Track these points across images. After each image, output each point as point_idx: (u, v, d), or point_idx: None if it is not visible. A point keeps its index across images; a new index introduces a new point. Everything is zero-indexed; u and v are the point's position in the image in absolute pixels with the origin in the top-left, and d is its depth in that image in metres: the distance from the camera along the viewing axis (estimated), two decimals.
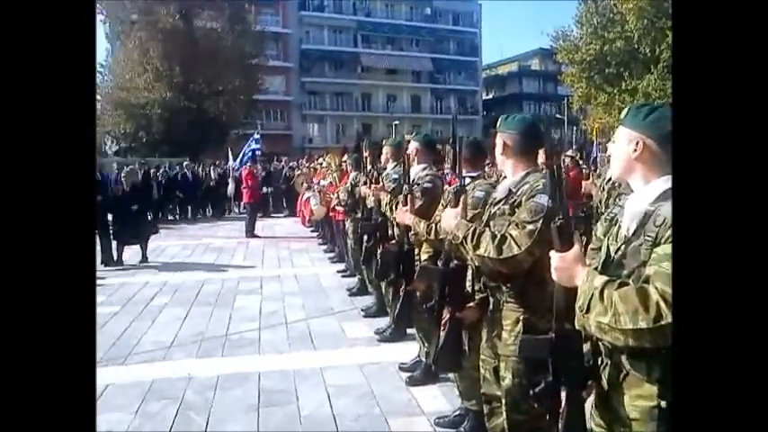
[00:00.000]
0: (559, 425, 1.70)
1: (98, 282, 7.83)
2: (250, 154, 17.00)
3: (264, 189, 16.35)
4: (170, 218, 16.28)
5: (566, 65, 27.43)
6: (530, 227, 2.16)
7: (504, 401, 2.35)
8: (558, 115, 41.33)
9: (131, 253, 9.29)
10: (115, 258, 9.01)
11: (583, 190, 6.90)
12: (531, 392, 1.79)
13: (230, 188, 16.68)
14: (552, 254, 1.65)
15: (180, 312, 6.08)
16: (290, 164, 18.38)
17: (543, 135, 2.48)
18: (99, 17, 28.90)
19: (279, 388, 4.04)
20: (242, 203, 15.41)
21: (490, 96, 51.05)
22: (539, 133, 2.41)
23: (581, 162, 9.81)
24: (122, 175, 9.90)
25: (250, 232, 12.30)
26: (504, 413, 2.35)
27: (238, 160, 17.00)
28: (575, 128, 25.38)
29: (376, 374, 4.23)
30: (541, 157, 2.65)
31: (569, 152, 9.30)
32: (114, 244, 9.07)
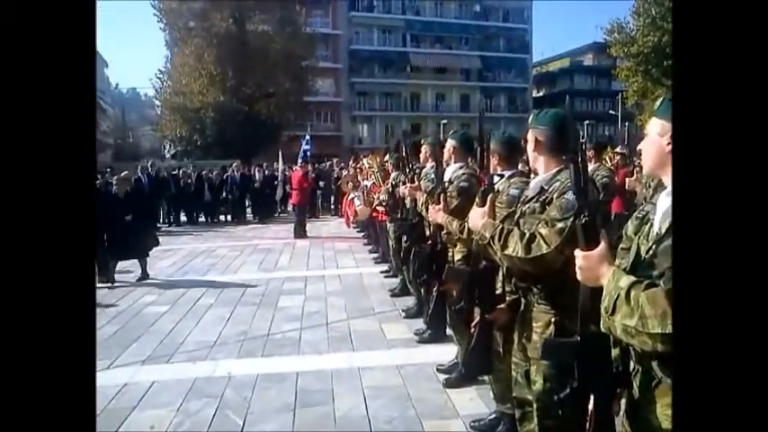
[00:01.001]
0: None
1: (148, 281, 8.10)
2: (302, 155, 17.31)
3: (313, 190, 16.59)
4: (221, 219, 16.71)
5: (620, 59, 26.59)
6: (560, 225, 2.06)
7: (535, 406, 2.26)
8: (611, 111, 40.17)
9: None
10: (100, 273, 7.59)
11: (627, 186, 6.65)
12: (556, 397, 1.72)
13: (279, 191, 16.96)
14: (577, 252, 1.58)
15: (224, 312, 6.19)
16: (340, 165, 18.48)
17: (576, 131, 2.37)
18: (159, 26, 30.06)
19: (315, 388, 4.05)
20: (291, 205, 15.49)
21: (540, 94, 50.09)
22: (571, 129, 2.31)
23: (634, 159, 9.45)
24: (114, 181, 8.71)
25: (299, 233, 12.45)
26: (536, 418, 2.26)
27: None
28: (628, 124, 24.53)
29: (413, 376, 4.18)
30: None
31: (619, 149, 8.98)
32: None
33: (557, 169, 2.28)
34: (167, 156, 38.80)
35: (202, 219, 16.59)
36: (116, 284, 7.81)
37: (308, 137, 19.16)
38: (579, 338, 1.63)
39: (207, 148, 28.97)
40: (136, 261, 9.84)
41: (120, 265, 8.16)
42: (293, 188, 13.45)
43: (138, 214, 8.05)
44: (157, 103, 34.24)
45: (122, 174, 9.57)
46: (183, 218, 16.44)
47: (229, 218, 16.78)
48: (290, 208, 17.78)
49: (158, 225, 14.22)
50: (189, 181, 16.14)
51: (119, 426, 3.58)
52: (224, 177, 16.61)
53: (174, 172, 16.75)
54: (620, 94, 32.58)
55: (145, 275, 8.26)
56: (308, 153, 18.12)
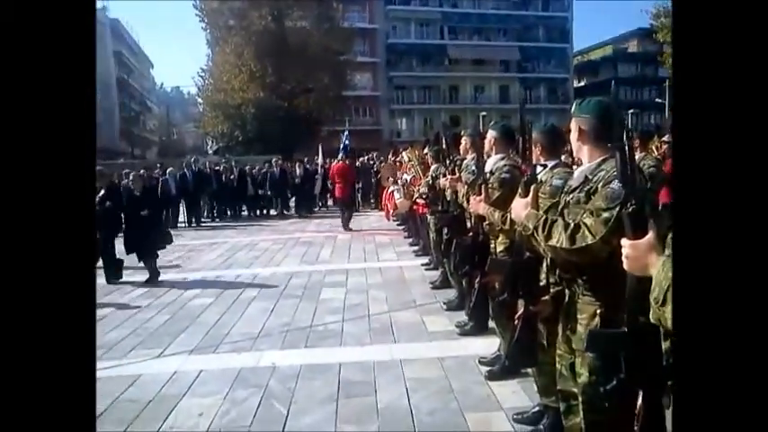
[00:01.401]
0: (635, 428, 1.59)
1: (194, 274, 8.31)
2: (343, 151, 17.43)
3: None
4: (263, 213, 16.91)
5: (667, 44, 25.75)
6: (605, 214, 2.02)
7: (580, 399, 2.23)
8: (657, 99, 39.00)
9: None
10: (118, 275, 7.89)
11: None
12: (603, 390, 1.69)
13: (317, 186, 17.07)
14: (624, 242, 1.55)
15: (268, 305, 6.30)
16: (379, 159, 18.53)
17: (621, 119, 2.32)
18: (200, 25, 30.68)
19: (358, 379, 4.09)
20: (334, 199, 15.60)
21: (582, 84, 49.02)
22: (616, 117, 2.26)
23: None
24: (130, 180, 8.77)
25: (346, 226, 12.58)
26: (581, 412, 2.23)
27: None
28: None
29: (455, 368, 4.18)
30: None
31: (666, 138, 8.72)
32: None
33: (601, 158, 2.23)
34: (210, 152, 39.61)
35: (245, 213, 16.90)
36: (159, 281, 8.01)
37: (347, 132, 19.28)
38: (626, 330, 1.61)
39: (248, 144, 29.46)
40: (181, 256, 10.12)
41: (161, 260, 8.36)
42: (337, 182, 13.55)
43: (150, 213, 8.09)
44: (200, 100, 35.03)
45: (140, 171, 9.98)
46: (223, 212, 16.73)
47: (272, 212, 16.93)
48: (329, 203, 17.94)
49: (181, 222, 14.95)
50: (231, 176, 16.35)
51: (169, 412, 3.70)
52: (264, 173, 16.76)
53: (217, 168, 16.99)
54: (666, 81, 31.58)
55: (154, 276, 7.88)
56: (348, 148, 18.24)
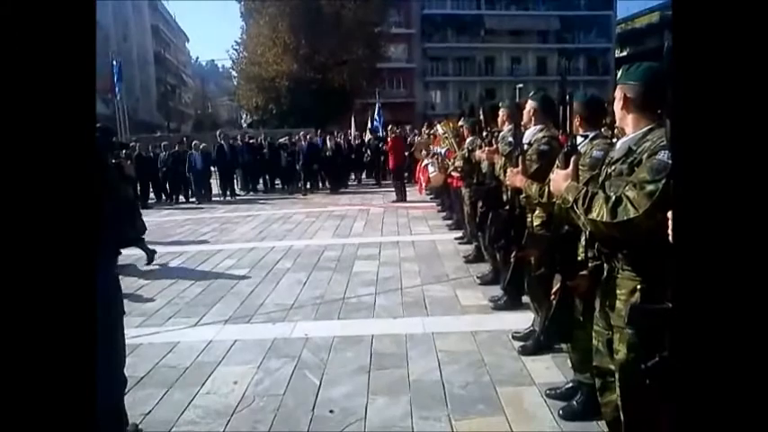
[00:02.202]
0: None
1: (229, 246, 8.44)
2: (373, 127, 17.38)
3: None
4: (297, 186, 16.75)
5: None
6: (650, 187, 1.93)
7: (617, 377, 2.18)
8: None
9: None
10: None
11: None
12: (643, 366, 1.64)
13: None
14: (671, 212, 1.48)
15: (301, 276, 6.36)
16: (413, 132, 18.35)
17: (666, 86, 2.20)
18: None
19: (390, 352, 4.10)
20: (389, 169, 15.24)
21: (624, 54, 47.41)
22: (666, 84, 2.15)
23: None
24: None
25: (401, 198, 12.59)
26: (618, 389, 2.18)
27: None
28: None
29: (488, 342, 4.15)
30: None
31: None
32: None
33: (647, 128, 2.13)
34: (244, 125, 39.93)
35: (279, 186, 17.02)
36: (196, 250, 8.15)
37: (377, 107, 19.05)
38: (670, 305, 1.54)
39: (282, 117, 29.54)
40: (216, 228, 10.31)
41: (197, 233, 8.42)
42: (390, 154, 13.56)
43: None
44: (234, 73, 35.18)
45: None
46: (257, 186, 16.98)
47: (302, 185, 16.44)
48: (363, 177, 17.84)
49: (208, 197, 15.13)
50: (263, 150, 16.46)
51: (206, 379, 3.78)
52: (291, 146, 16.45)
53: (251, 140, 17.08)
54: None
55: (149, 257, 7.48)
56: (380, 124, 18.11)
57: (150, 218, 11.47)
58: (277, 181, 17.14)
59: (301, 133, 17.04)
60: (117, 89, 22.35)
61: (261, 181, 17.07)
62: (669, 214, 1.47)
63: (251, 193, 16.46)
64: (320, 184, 16.86)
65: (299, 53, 28.75)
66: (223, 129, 23.93)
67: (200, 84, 70.99)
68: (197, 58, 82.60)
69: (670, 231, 1.48)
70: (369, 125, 18.98)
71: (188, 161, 14.62)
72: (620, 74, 2.25)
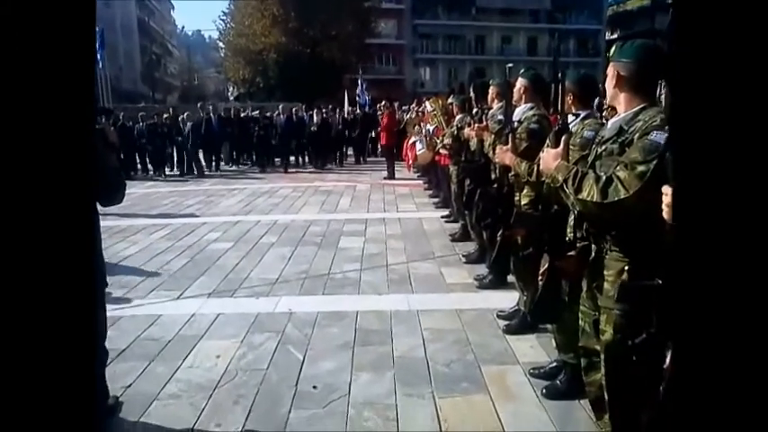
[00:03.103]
0: (663, 388, 1.53)
1: (214, 219, 8.36)
2: (362, 104, 17.13)
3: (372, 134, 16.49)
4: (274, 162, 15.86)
5: None
6: (641, 168, 1.90)
7: (602, 356, 2.18)
8: None
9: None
10: None
11: None
12: (631, 342, 1.63)
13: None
14: (665, 189, 1.46)
15: (286, 251, 6.31)
16: (402, 109, 18.18)
17: (665, 64, 2.17)
18: None
19: (374, 328, 4.09)
20: (380, 146, 15.19)
21: (615, 36, 47.22)
22: (660, 62, 2.11)
23: None
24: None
25: (391, 175, 12.52)
26: (603, 369, 2.18)
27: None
28: None
29: (473, 321, 4.15)
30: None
31: None
32: None
33: (639, 107, 2.09)
34: (231, 98, 39.40)
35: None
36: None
37: (360, 81, 18.73)
38: (660, 282, 1.53)
39: (270, 91, 29.17)
40: (201, 200, 10.21)
41: (182, 205, 8.35)
42: (382, 130, 13.44)
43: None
44: (221, 45, 34.58)
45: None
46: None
47: (283, 162, 15.31)
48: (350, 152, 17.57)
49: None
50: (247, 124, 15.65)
51: (188, 353, 3.74)
52: (263, 119, 15.51)
53: (240, 114, 16.56)
54: None
55: None
56: (367, 101, 17.86)
57: (133, 189, 11.34)
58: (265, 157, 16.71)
59: (280, 107, 16.20)
60: (98, 56, 21.85)
61: (245, 155, 16.63)
62: (666, 190, 1.44)
63: (236, 165, 16.24)
64: (302, 161, 16.10)
65: (287, 26, 28.29)
66: (209, 101, 23.55)
67: (186, 54, 69.76)
68: (182, 27, 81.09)
69: (665, 210, 1.45)
70: (358, 100, 18.74)
71: (172, 133, 14.33)
72: (612, 51, 2.21)
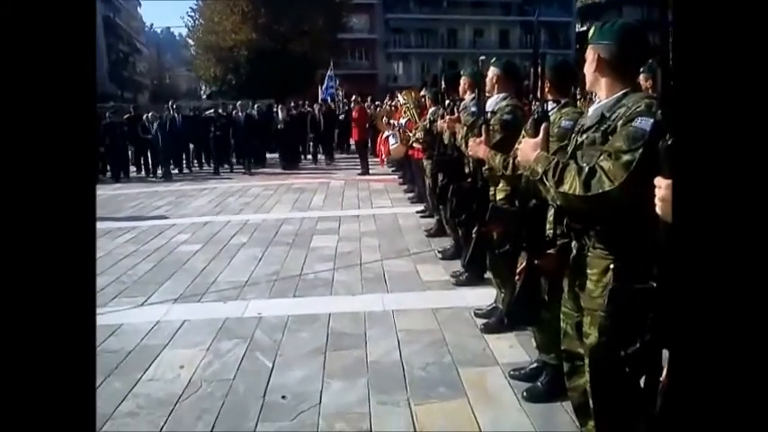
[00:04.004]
0: (659, 400, 1.38)
1: (182, 220, 8.09)
2: (326, 94, 16.70)
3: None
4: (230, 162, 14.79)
5: None
6: (626, 157, 1.74)
7: (587, 361, 2.03)
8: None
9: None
10: None
11: None
12: (623, 353, 1.47)
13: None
14: (658, 181, 1.31)
15: (257, 252, 6.10)
16: (375, 103, 17.94)
17: (649, 47, 2.01)
18: None
19: (348, 331, 3.91)
20: (353, 141, 14.48)
21: (584, 28, 47.64)
22: (643, 43, 1.96)
23: None
24: None
25: (365, 171, 12.32)
26: (588, 375, 2.03)
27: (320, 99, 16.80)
28: None
29: (449, 320, 4.00)
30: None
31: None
32: None
33: (622, 92, 1.94)
34: (203, 96, 38.75)
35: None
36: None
37: (329, 74, 18.30)
38: (655, 285, 1.38)
39: (241, 88, 28.66)
40: (170, 201, 9.92)
41: (150, 207, 8.11)
42: (354, 125, 13.19)
43: None
44: (191, 42, 33.90)
45: None
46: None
47: (246, 162, 14.07)
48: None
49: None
50: (219, 122, 14.27)
51: (150, 363, 3.53)
52: (219, 118, 14.42)
53: (208, 113, 15.73)
54: (671, 27, 30.68)
55: None
56: (333, 92, 17.45)
57: (100, 191, 10.98)
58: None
59: (238, 104, 15.03)
60: None
61: (204, 157, 15.39)
62: (659, 182, 1.30)
63: (204, 166, 15.41)
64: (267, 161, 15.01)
65: (257, 22, 27.82)
66: (180, 100, 22.96)
67: (156, 52, 68.53)
68: (151, 25, 79.55)
69: (658, 204, 1.30)
70: (321, 95, 18.30)
71: (136, 132, 13.68)
72: (592, 32, 2.05)
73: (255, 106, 15.15)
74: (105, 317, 4.37)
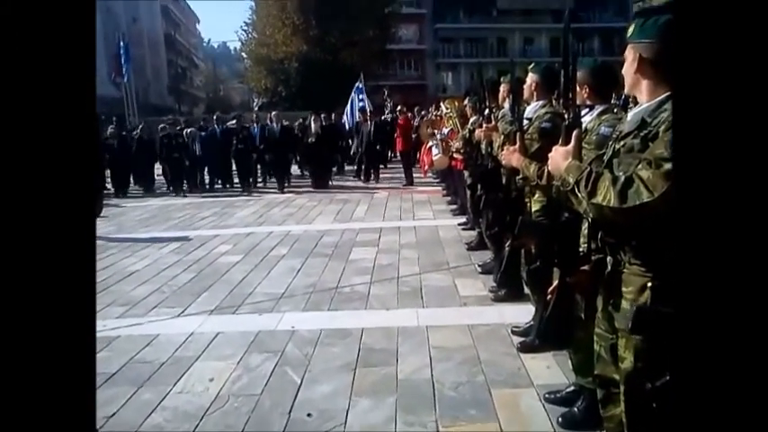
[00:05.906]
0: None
1: (225, 231, 8.17)
2: (359, 107, 16.16)
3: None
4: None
5: None
6: (668, 165, 1.56)
7: (622, 389, 1.85)
8: None
9: None
10: None
11: None
12: (649, 386, 1.31)
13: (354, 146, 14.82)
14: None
15: (296, 263, 6.07)
16: (420, 113, 17.80)
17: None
18: None
19: (379, 347, 3.80)
20: (398, 152, 13.98)
21: None
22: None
23: None
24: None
25: (409, 181, 12.30)
26: (623, 404, 1.85)
27: (347, 116, 16.49)
28: None
29: (485, 337, 3.83)
30: None
31: None
32: None
33: (665, 95, 1.75)
34: (255, 108, 39.57)
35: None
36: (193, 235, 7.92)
37: (359, 85, 17.39)
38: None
39: (291, 100, 29.12)
40: (216, 212, 10.08)
41: (196, 217, 8.24)
42: (398, 135, 13.12)
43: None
44: (244, 55, 34.76)
45: None
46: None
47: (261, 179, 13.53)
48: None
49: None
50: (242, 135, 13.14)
51: (180, 375, 3.51)
52: (241, 130, 13.26)
53: (230, 124, 14.21)
54: None
55: None
56: (364, 105, 16.49)
57: (150, 202, 11.29)
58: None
59: (272, 114, 13.99)
60: (124, 70, 22.07)
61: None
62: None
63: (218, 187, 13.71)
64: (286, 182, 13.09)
65: (308, 34, 28.28)
66: (234, 112, 23.29)
67: (212, 66, 70.65)
68: (209, 40, 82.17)
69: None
70: (347, 116, 16.95)
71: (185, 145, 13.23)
72: (631, 30, 1.89)
73: (273, 118, 13.70)
74: (144, 327, 4.43)
